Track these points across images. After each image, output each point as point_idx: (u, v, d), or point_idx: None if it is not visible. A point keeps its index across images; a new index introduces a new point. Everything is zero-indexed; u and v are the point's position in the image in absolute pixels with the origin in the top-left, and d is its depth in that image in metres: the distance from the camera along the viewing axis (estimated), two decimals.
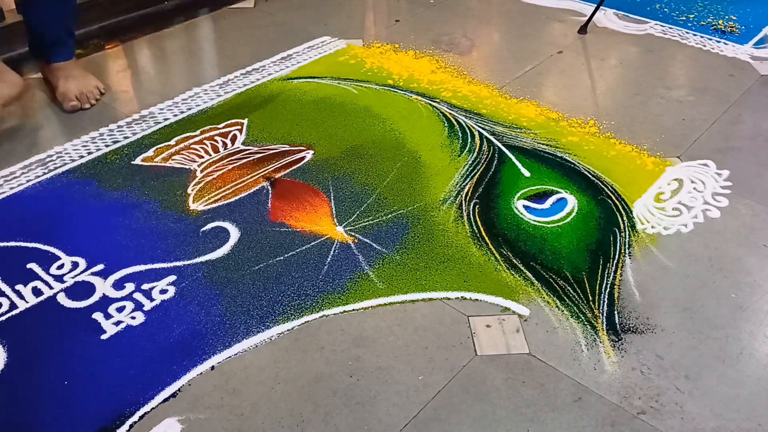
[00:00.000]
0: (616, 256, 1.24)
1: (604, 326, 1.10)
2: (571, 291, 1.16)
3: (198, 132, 1.59)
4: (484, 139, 1.57)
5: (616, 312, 1.13)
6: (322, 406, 0.97)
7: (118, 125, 1.62)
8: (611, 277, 1.19)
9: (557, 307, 1.13)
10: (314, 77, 1.83)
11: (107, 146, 1.54)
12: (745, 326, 1.10)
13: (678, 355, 1.04)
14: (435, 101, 1.72)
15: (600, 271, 1.21)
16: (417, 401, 0.97)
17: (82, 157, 1.51)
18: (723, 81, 1.79)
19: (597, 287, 1.17)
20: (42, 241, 1.26)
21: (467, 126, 1.61)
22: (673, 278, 1.19)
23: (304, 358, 1.04)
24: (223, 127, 1.61)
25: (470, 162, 1.49)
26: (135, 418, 0.95)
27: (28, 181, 1.43)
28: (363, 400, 0.97)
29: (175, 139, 1.57)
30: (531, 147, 1.55)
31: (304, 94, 1.74)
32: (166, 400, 0.98)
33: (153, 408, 0.97)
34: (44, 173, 1.45)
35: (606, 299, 1.15)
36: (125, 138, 1.57)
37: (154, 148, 1.54)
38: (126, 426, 0.94)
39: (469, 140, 1.56)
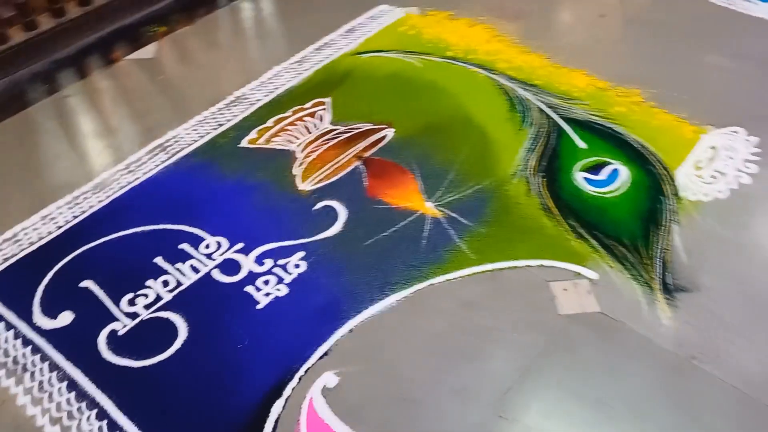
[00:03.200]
0: (665, 223, 1.46)
1: (660, 287, 1.34)
2: (630, 257, 1.40)
3: (289, 112, 1.78)
4: (542, 113, 1.75)
5: (668, 274, 1.36)
6: (448, 358, 1.22)
7: (218, 108, 1.80)
8: (662, 243, 1.42)
9: (620, 271, 1.37)
10: (380, 51, 2.00)
11: (214, 129, 1.74)
12: None
13: (724, 311, 1.29)
14: (493, 73, 1.89)
15: (652, 237, 1.44)
16: (522, 355, 1.23)
17: (195, 141, 1.70)
18: (765, 48, 1.93)
19: (651, 252, 1.40)
20: (186, 223, 1.49)
21: (525, 99, 1.80)
22: (716, 242, 1.41)
23: (423, 319, 1.29)
24: (311, 107, 1.80)
25: (531, 135, 1.69)
26: (301, 372, 1.21)
27: (155, 166, 1.64)
28: (479, 355, 1.23)
29: (271, 120, 1.76)
30: (584, 119, 1.74)
31: (375, 70, 1.92)
32: (321, 357, 1.23)
33: (312, 365, 1.22)
34: (168, 158, 1.66)
35: (660, 263, 1.38)
36: (227, 120, 1.76)
37: (256, 129, 1.73)
38: (295, 379, 1.20)
39: (528, 113, 1.75)
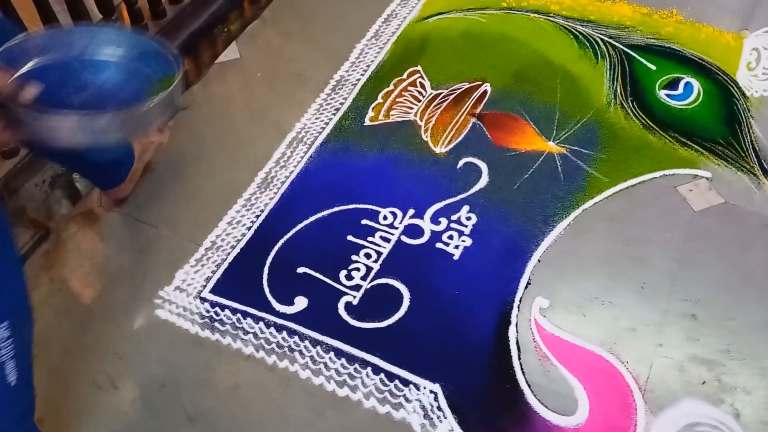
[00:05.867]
0: (745, 120, 1.74)
1: (760, 172, 1.63)
2: (729, 153, 1.67)
3: (392, 86, 1.95)
4: (607, 44, 1.98)
5: (763, 160, 1.64)
6: (616, 266, 1.48)
7: (326, 93, 1.95)
8: (748, 136, 1.70)
9: (726, 166, 1.65)
10: (441, 13, 2.16)
11: (333, 114, 1.89)
12: None
13: None
14: (550, 16, 2.09)
15: (739, 133, 1.71)
16: (674, 249, 1.50)
17: (323, 128, 1.86)
18: None
19: (743, 146, 1.68)
20: (356, 202, 1.67)
21: (588, 35, 2.01)
22: None
23: (588, 239, 1.53)
24: (407, 77, 1.97)
25: (608, 66, 1.92)
26: (517, 301, 1.46)
27: (300, 157, 1.79)
28: (640, 256, 1.49)
29: (380, 96, 1.92)
30: (644, 43, 1.97)
31: (446, 31, 2.09)
32: (526, 287, 1.48)
33: (522, 295, 1.47)
34: (307, 148, 1.82)
35: (753, 153, 1.67)
36: (341, 104, 1.92)
37: (371, 107, 1.90)
38: (515, 306, 1.44)
39: (596, 47, 1.97)
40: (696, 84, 1.83)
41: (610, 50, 1.94)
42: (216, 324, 1.46)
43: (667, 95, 1.81)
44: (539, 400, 1.30)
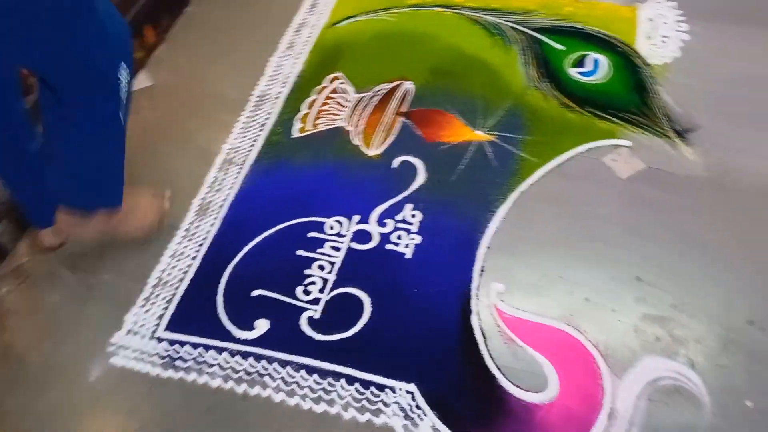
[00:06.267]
0: (652, 87, 1.85)
1: (674, 135, 1.73)
2: (644, 120, 1.77)
3: (315, 95, 1.94)
4: (515, 30, 2.05)
5: (674, 123, 1.75)
6: (561, 242, 1.54)
7: (249, 110, 1.92)
8: (658, 102, 1.81)
9: (642, 133, 1.74)
10: (351, 16, 2.17)
11: (261, 130, 1.87)
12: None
13: (725, 133, 1.70)
14: (455, 8, 2.14)
15: (650, 99, 1.82)
16: (617, 217, 1.57)
17: (252, 146, 1.83)
18: None
19: (655, 112, 1.79)
20: (299, 216, 1.66)
21: (495, 23, 2.08)
22: (693, 90, 1.82)
23: (532, 220, 1.58)
24: (329, 84, 1.97)
25: (519, 52, 1.99)
26: (474, 290, 1.49)
27: (235, 179, 1.76)
28: (582, 229, 1.55)
29: (304, 106, 1.91)
30: (548, 25, 2.06)
31: (359, 34, 2.10)
32: (481, 274, 1.52)
33: (478, 283, 1.50)
34: (240, 168, 1.78)
35: (664, 118, 1.77)
36: (266, 119, 1.89)
37: (297, 119, 1.89)
38: (474, 295, 1.48)
39: (505, 34, 2.04)
40: (603, 59, 1.92)
41: (518, 36, 2.01)
42: (177, 362, 1.41)
43: (579, 73, 1.89)
44: (512, 382, 1.34)
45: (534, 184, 1.65)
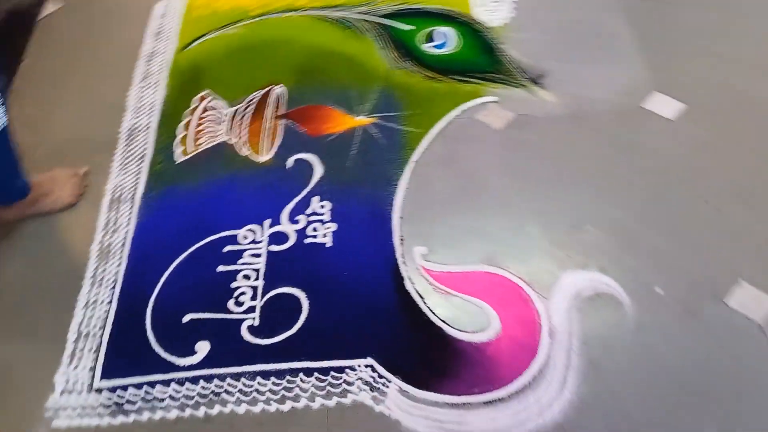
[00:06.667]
0: (498, 47, 2.03)
1: (530, 83, 1.92)
2: (501, 76, 1.94)
3: (186, 118, 1.92)
4: (362, 21, 2.15)
5: (527, 74, 1.94)
6: (463, 197, 1.66)
7: (124, 147, 1.86)
8: (508, 58, 1.99)
9: (503, 87, 1.91)
10: (199, 37, 2.17)
11: (141, 163, 1.82)
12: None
13: (569, 72, 1.90)
14: (302, 11, 2.21)
15: (500, 57, 1.99)
16: (503, 169, 1.70)
17: (137, 180, 1.78)
18: None
19: (508, 67, 1.97)
20: (210, 234, 1.64)
21: (342, 18, 2.17)
22: (533, 42, 2.02)
23: (431, 186, 1.67)
24: (199, 103, 1.96)
25: (374, 38, 2.09)
26: (400, 258, 1.56)
27: (128, 216, 1.70)
28: (477, 183, 1.67)
29: (180, 130, 1.89)
30: (391, 10, 2.18)
31: (213, 53, 2.10)
32: (401, 243, 1.59)
33: (401, 251, 1.57)
34: (131, 204, 1.72)
35: (518, 70, 1.96)
36: (143, 151, 1.84)
37: (176, 143, 1.86)
38: (401, 263, 1.54)
39: (355, 26, 2.14)
40: (449, 30, 2.07)
41: (367, 25, 2.11)
42: (125, 406, 1.35)
43: (432, 47, 2.02)
44: (458, 330, 1.42)
45: (423, 152, 1.75)
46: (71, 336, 1.46)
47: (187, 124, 1.87)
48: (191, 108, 1.91)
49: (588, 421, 1.27)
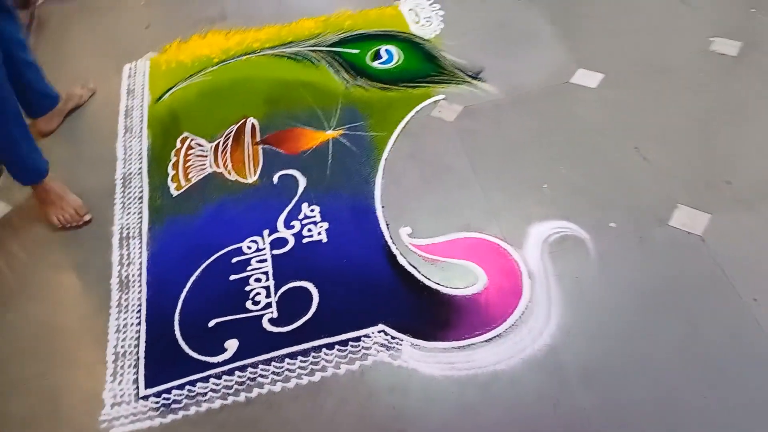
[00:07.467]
0: (438, 54, 2.30)
1: (471, 79, 2.18)
2: (444, 77, 2.20)
3: (173, 158, 2.11)
4: (315, 52, 2.40)
5: (461, 71, 2.20)
6: (434, 182, 1.89)
7: (121, 191, 2.03)
8: (448, 61, 2.26)
9: (448, 86, 2.17)
10: (170, 88, 2.37)
11: (140, 203, 1.99)
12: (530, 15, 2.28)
13: (501, 64, 2.17)
14: (259, 53, 2.44)
15: (438, 63, 2.26)
16: (463, 154, 1.94)
17: (140, 218, 1.95)
18: None
19: (449, 69, 2.23)
20: (216, 251, 1.82)
21: (296, 53, 2.41)
22: (465, 45, 2.29)
23: (404, 177, 1.89)
24: (181, 144, 2.15)
25: (327, 66, 2.34)
26: (389, 240, 1.77)
27: (140, 248, 1.86)
28: (444, 168, 1.90)
29: (170, 169, 2.07)
30: (339, 39, 2.44)
31: (186, 99, 2.30)
32: (388, 228, 1.80)
33: (389, 234, 1.78)
34: (140, 238, 1.89)
35: (458, 71, 2.22)
36: (140, 192, 2.02)
37: (169, 180, 2.04)
38: (391, 244, 1.75)
39: (310, 58, 2.38)
40: (391, 47, 2.33)
41: (321, 55, 2.35)
42: (173, 405, 1.50)
43: (379, 64, 2.28)
44: (452, 288, 1.62)
45: (391, 150, 1.98)
46: (110, 358, 1.60)
47: (176, 163, 2.05)
48: (176, 149, 2.10)
49: (573, 340, 1.49)
